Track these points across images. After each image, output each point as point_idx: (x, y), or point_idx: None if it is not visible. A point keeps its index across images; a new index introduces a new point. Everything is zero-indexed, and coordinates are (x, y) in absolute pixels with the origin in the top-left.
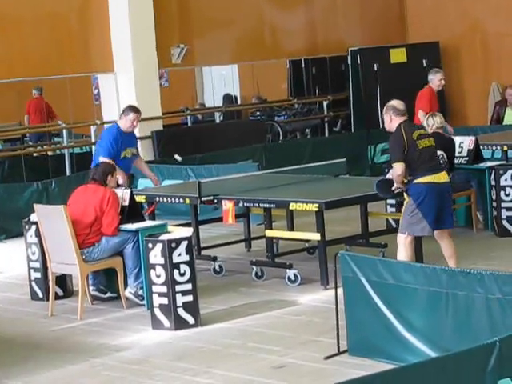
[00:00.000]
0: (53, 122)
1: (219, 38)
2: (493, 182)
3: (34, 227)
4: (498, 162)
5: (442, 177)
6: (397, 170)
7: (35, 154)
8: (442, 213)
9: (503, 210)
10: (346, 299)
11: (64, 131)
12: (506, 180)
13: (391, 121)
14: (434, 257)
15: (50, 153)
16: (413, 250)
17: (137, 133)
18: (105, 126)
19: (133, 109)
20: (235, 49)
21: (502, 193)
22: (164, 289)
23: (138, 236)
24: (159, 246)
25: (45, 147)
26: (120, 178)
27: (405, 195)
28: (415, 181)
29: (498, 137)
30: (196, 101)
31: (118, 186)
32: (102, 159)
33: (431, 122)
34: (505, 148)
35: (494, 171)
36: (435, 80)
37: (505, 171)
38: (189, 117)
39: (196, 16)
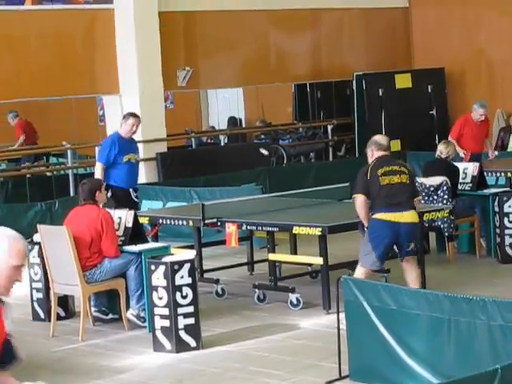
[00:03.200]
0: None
1: (224, 61)
2: (496, 209)
3: (36, 247)
4: (501, 189)
5: (406, 216)
6: (356, 201)
7: (28, 176)
8: (391, 249)
9: (506, 237)
10: (347, 324)
11: (68, 152)
12: (509, 207)
13: (372, 155)
14: (436, 283)
15: (49, 173)
16: None
17: (141, 155)
18: None
19: (132, 114)
20: (240, 72)
21: (505, 219)
22: (166, 311)
23: (140, 258)
24: (162, 268)
25: (49, 168)
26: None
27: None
28: (373, 216)
29: (503, 163)
30: (201, 123)
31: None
32: (97, 164)
33: (444, 150)
34: (509, 175)
35: (497, 198)
36: (475, 114)
37: (509, 198)
38: (193, 139)
39: (202, 39)
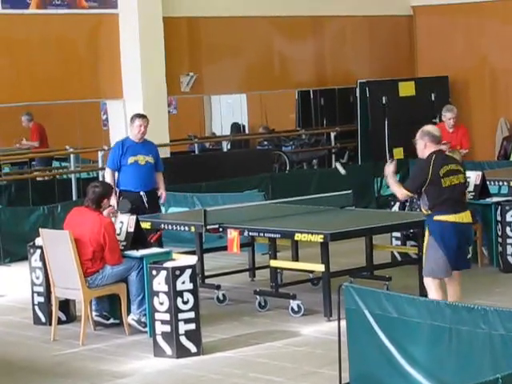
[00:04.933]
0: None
1: (228, 68)
2: (499, 218)
3: (38, 251)
4: (504, 198)
5: (465, 217)
6: (402, 194)
7: (39, 178)
8: (459, 253)
9: (508, 246)
10: (348, 331)
11: (71, 156)
12: (511, 216)
13: (425, 147)
14: None
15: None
16: (443, 291)
17: None
18: None
19: (138, 115)
20: (244, 78)
21: (507, 228)
22: (167, 316)
23: (142, 263)
24: (163, 274)
25: (52, 172)
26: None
27: (426, 233)
28: (435, 218)
29: (505, 172)
30: (204, 129)
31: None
32: (106, 170)
33: None
34: (511, 184)
35: (500, 207)
36: (445, 119)
37: (511, 207)
38: (196, 145)
39: (206, 45)
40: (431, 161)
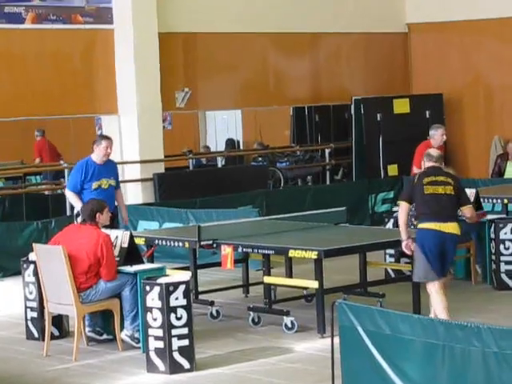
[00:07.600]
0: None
1: (223, 83)
2: (492, 235)
3: (32, 266)
4: (498, 216)
5: (448, 227)
6: (399, 207)
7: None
8: (440, 260)
9: (502, 264)
10: (342, 348)
11: (66, 171)
12: (505, 234)
13: (424, 165)
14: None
15: (48, 192)
16: (444, 294)
17: (138, 175)
18: None
19: (104, 137)
20: (239, 94)
21: (501, 246)
22: (160, 332)
23: (136, 279)
24: (157, 289)
25: (45, 186)
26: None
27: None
28: (419, 226)
29: (499, 190)
30: (199, 144)
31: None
32: (66, 192)
33: None
34: (505, 201)
35: (493, 224)
36: (437, 135)
37: (505, 225)
38: (191, 160)
39: (201, 61)
40: (420, 173)
